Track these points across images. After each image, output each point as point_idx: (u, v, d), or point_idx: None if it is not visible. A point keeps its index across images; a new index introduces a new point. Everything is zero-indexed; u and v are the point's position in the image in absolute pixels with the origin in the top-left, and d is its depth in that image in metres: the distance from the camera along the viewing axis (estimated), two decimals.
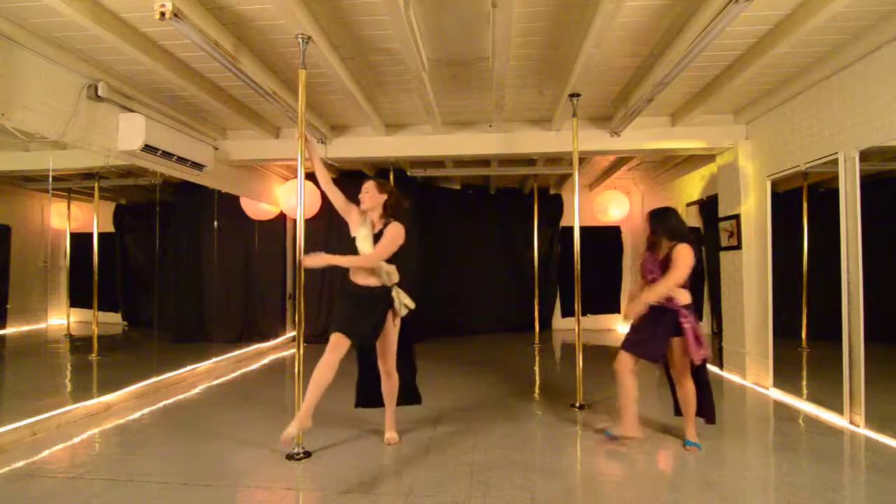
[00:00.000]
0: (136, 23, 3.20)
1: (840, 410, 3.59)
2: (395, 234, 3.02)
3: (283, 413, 3.92)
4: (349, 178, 7.29)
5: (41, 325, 6.09)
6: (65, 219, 6.43)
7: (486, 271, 8.44)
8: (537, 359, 6.26)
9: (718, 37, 3.01)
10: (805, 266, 4.22)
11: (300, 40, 3.11)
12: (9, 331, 5.84)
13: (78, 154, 3.96)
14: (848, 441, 3.29)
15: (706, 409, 3.11)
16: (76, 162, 4.30)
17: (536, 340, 7.07)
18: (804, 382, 4.35)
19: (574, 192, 4.27)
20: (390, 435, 3.27)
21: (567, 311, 8.59)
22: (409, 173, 6.74)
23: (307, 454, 2.99)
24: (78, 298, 6.52)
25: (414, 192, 7.26)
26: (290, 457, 2.95)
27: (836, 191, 3.61)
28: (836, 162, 3.65)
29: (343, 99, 4.49)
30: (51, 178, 4.01)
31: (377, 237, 3.05)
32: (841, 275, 3.56)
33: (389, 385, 3.24)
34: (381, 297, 3.03)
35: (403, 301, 3.12)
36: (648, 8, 3.07)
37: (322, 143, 5.34)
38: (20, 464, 2.89)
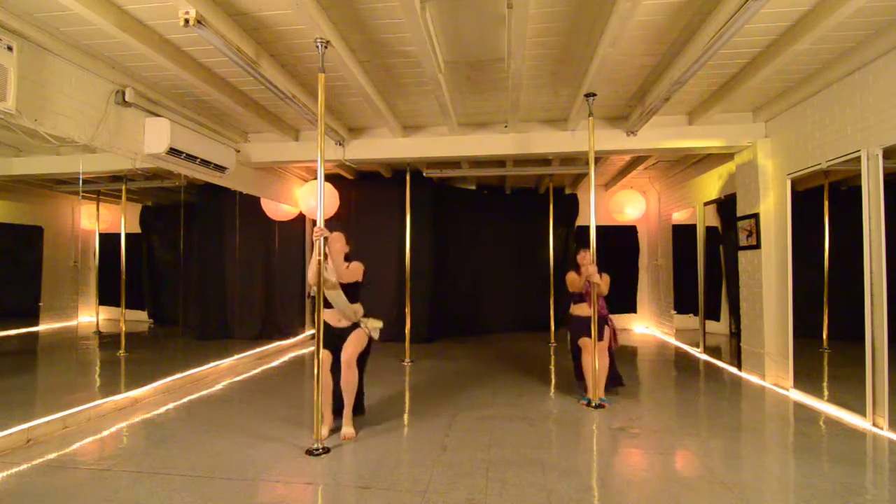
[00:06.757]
0: (162, 30, 3.31)
1: (863, 412, 3.53)
2: None
3: (303, 409, 4.00)
4: (366, 180, 7.41)
5: (72, 323, 6.30)
6: (94, 220, 6.65)
7: (501, 271, 8.45)
8: (552, 357, 6.25)
9: (737, 34, 2.99)
10: (826, 265, 4.14)
11: (319, 45, 3.17)
12: (41, 328, 6.07)
13: (106, 157, 4.11)
14: (871, 443, 3.23)
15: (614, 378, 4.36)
16: (105, 165, 4.44)
17: (552, 339, 7.06)
18: (825, 384, 4.27)
19: (590, 192, 4.28)
20: (347, 430, 3.33)
21: None
22: (424, 174, 6.79)
23: (326, 450, 3.05)
24: (106, 297, 6.74)
25: (430, 193, 7.35)
26: (309, 452, 3.03)
27: (859, 189, 3.56)
28: (858, 160, 3.58)
29: (361, 101, 4.56)
30: (81, 181, 4.16)
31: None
32: (863, 274, 3.50)
33: (349, 375, 3.35)
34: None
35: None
36: (665, 6, 3.06)
37: (340, 144, 5.42)
38: (52, 455, 3.02)
